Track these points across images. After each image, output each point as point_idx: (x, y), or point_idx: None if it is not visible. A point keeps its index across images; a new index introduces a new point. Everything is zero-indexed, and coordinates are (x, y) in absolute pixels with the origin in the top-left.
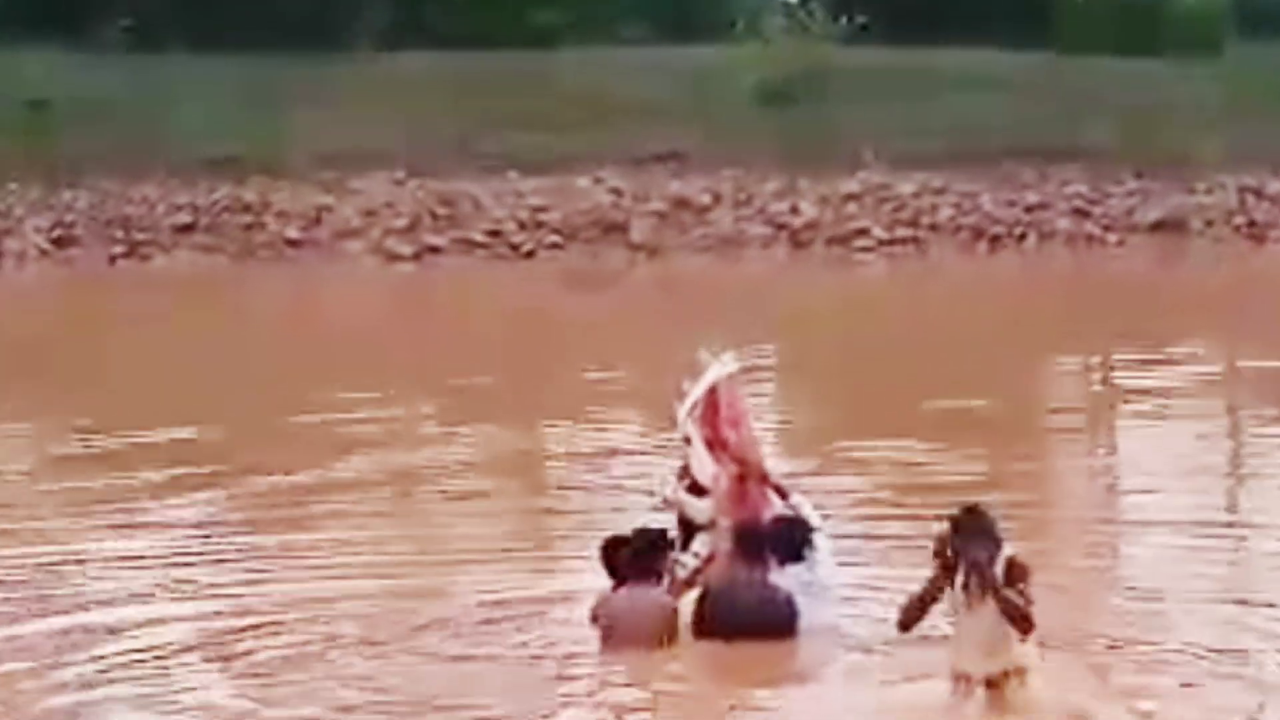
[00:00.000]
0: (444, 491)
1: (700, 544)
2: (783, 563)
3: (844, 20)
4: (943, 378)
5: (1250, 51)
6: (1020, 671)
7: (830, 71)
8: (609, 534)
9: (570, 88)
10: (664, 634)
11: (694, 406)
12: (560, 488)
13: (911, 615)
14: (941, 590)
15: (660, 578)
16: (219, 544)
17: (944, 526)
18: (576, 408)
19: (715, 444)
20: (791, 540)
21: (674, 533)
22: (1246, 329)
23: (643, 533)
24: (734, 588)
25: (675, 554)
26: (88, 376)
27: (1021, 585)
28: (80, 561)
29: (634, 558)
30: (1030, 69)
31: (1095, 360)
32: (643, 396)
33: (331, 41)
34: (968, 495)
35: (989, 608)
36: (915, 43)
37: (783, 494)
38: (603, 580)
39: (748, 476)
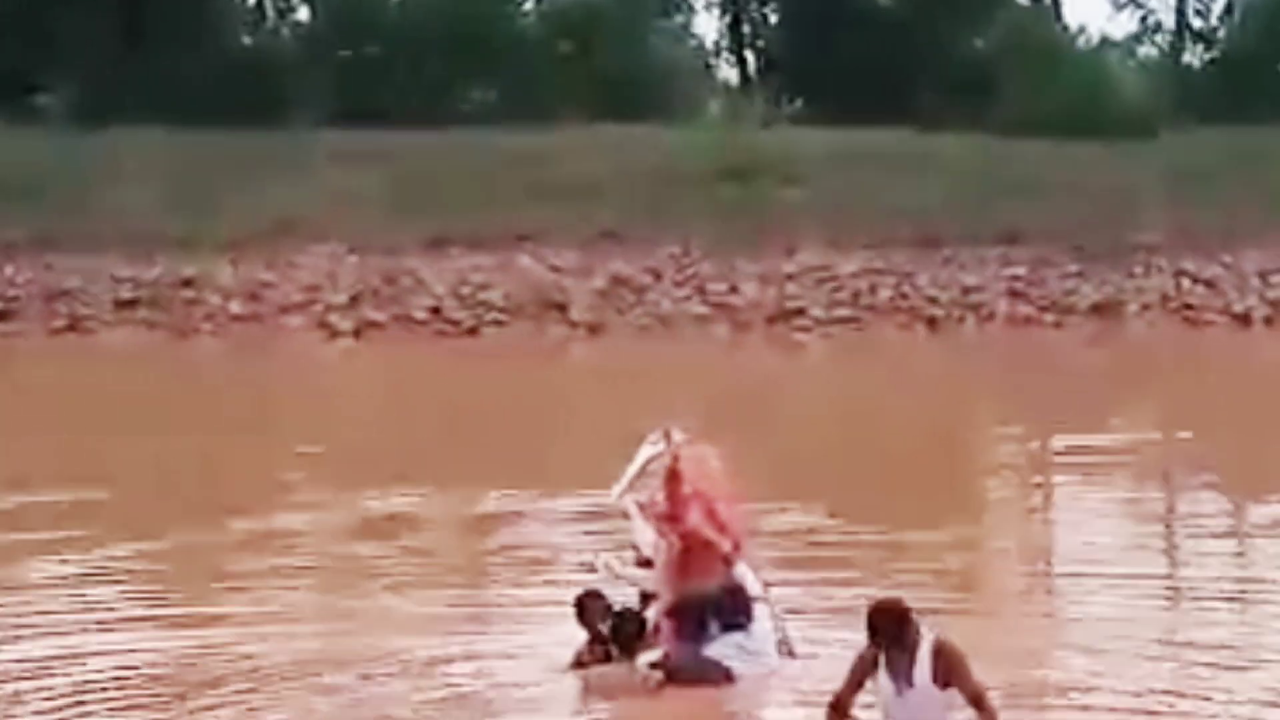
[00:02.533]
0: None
1: (651, 611)
2: (724, 629)
3: (785, 102)
4: (871, 450)
5: (1187, 136)
6: None
7: (771, 153)
8: (581, 591)
9: (511, 165)
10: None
11: (631, 482)
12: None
13: (839, 710)
14: (863, 680)
15: (633, 654)
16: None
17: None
18: (513, 478)
19: (669, 516)
20: (733, 609)
21: (636, 604)
22: (1179, 407)
23: (622, 615)
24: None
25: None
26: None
27: (962, 675)
28: None
29: (617, 635)
30: (970, 151)
31: (1026, 432)
32: (578, 469)
33: (274, 117)
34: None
35: (918, 692)
36: (855, 124)
37: (728, 563)
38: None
39: (692, 548)
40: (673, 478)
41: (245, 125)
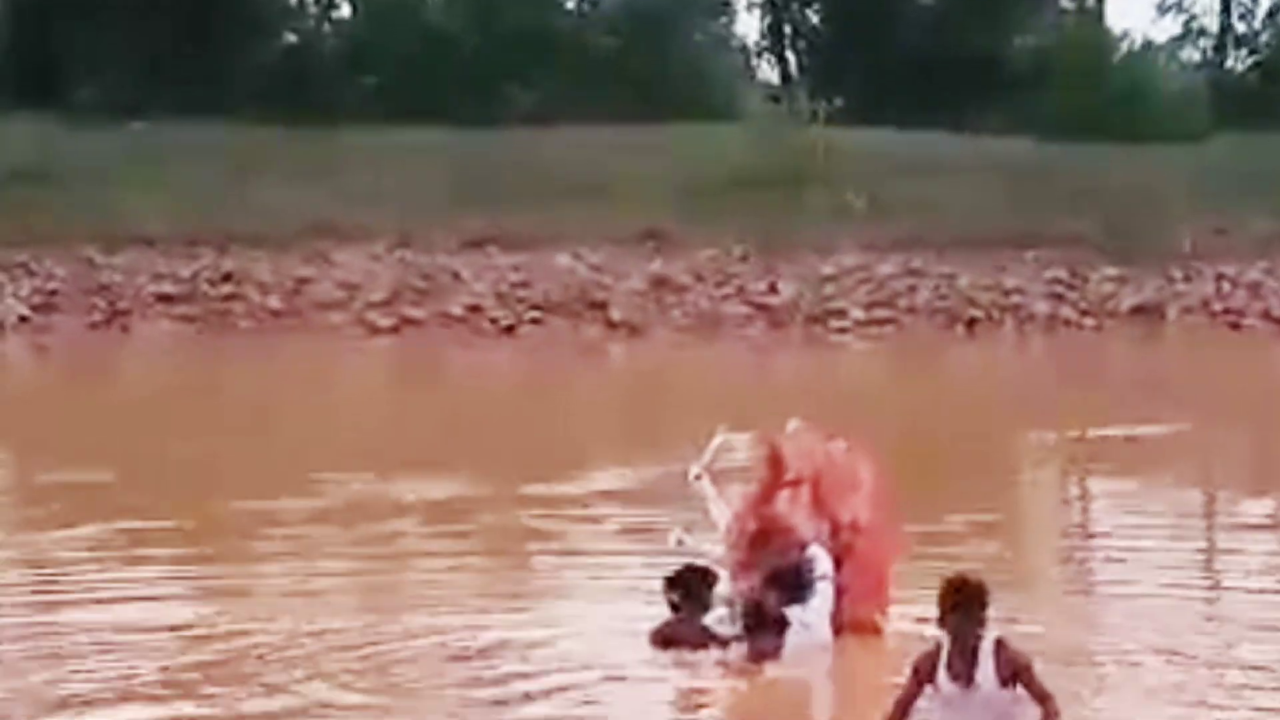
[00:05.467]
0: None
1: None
2: (785, 603)
3: (825, 102)
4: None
5: (1229, 140)
6: None
7: (811, 153)
8: (670, 571)
9: (552, 165)
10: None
11: (707, 464)
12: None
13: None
14: (923, 685)
15: (706, 607)
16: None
17: (928, 638)
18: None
19: (757, 500)
20: (796, 584)
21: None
22: (1219, 412)
23: (690, 569)
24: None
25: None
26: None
27: (1029, 672)
28: None
29: (682, 589)
30: (1011, 153)
31: (1066, 438)
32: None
33: (315, 114)
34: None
35: (982, 691)
36: (896, 125)
37: (802, 546)
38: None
39: (768, 530)
40: (773, 463)
41: (286, 122)
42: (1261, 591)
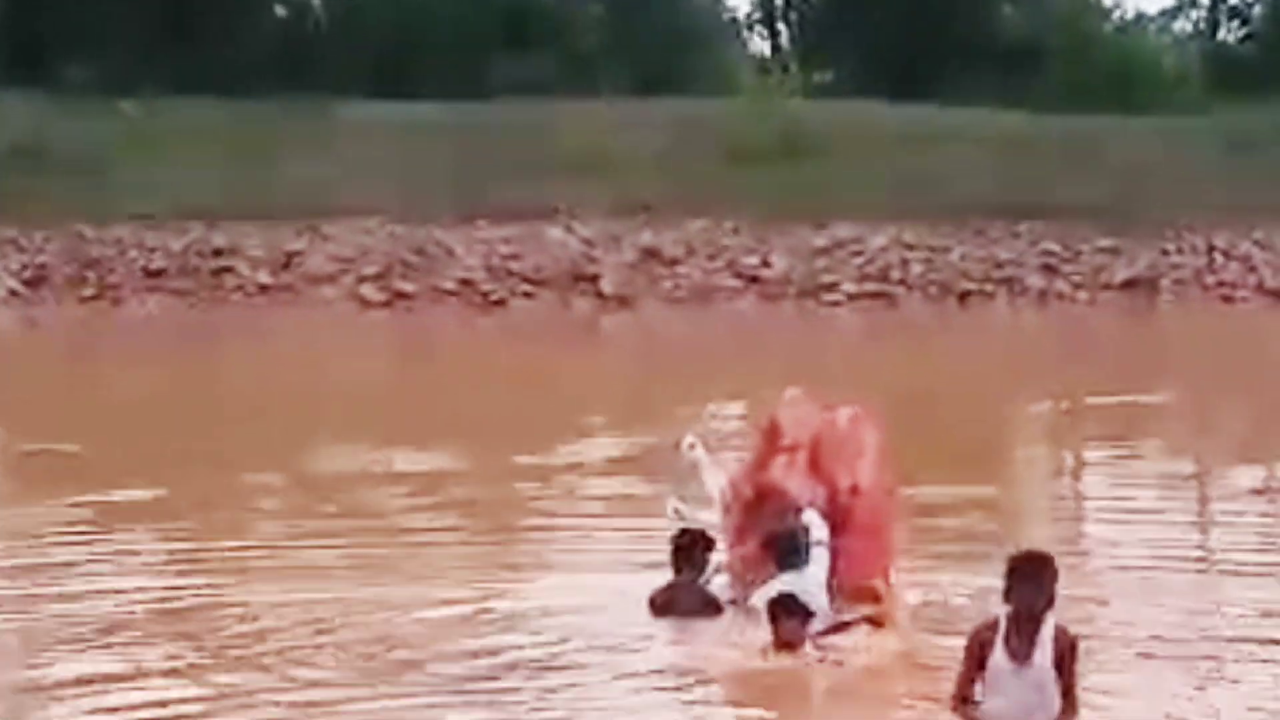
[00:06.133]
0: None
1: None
2: (780, 567)
3: (817, 74)
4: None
5: (1221, 112)
6: None
7: (803, 125)
8: (668, 536)
9: (543, 138)
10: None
11: (702, 434)
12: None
13: (958, 707)
14: (975, 674)
15: (701, 570)
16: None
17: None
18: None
19: (753, 467)
20: (790, 549)
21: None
22: (1212, 385)
23: (689, 533)
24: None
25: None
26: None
27: (1074, 663)
28: None
29: (679, 551)
30: (1002, 126)
31: (1058, 408)
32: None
33: (306, 89)
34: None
35: (1036, 671)
36: (888, 98)
37: (798, 510)
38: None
39: (764, 495)
40: (769, 430)
41: (277, 96)
42: (1258, 568)
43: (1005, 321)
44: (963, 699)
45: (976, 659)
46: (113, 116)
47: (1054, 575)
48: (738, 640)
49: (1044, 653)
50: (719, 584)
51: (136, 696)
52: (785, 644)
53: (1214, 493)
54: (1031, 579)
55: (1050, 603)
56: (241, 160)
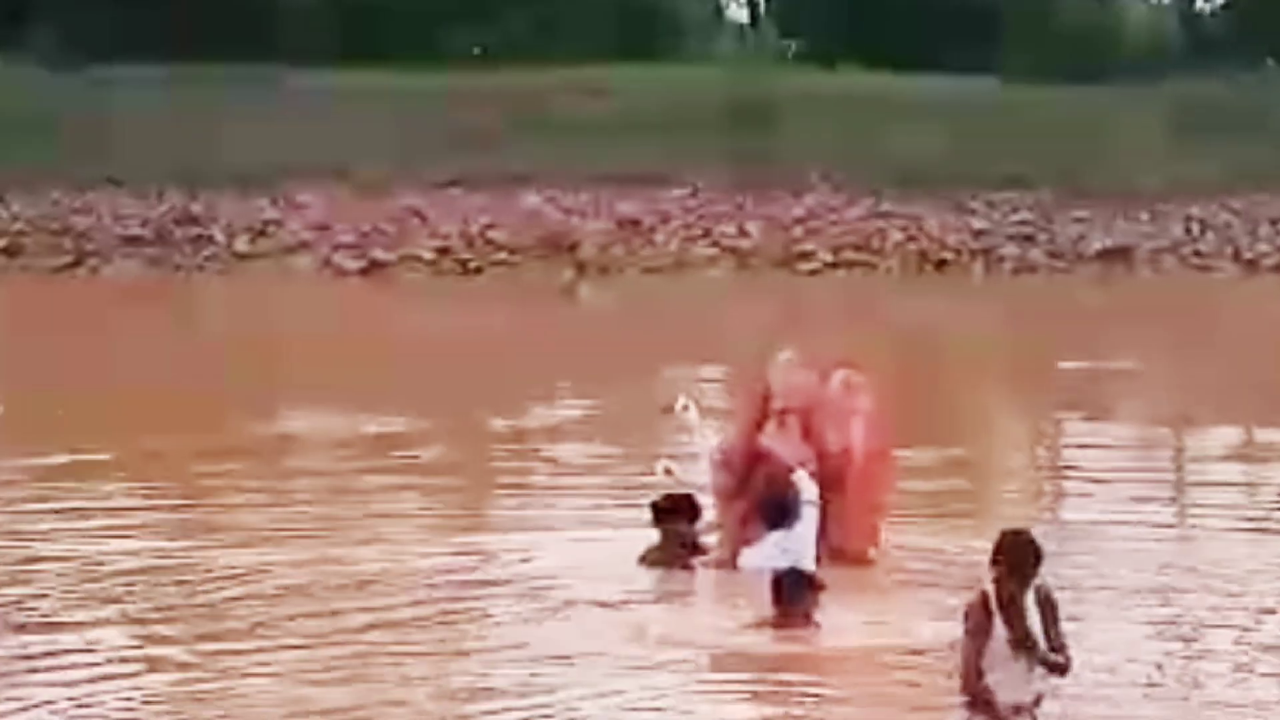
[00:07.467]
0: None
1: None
2: (770, 527)
3: (794, 44)
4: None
5: (1197, 81)
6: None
7: (780, 94)
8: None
9: (520, 106)
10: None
11: (694, 397)
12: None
13: (974, 685)
14: (982, 650)
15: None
16: None
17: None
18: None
19: (747, 431)
20: (780, 509)
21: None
22: (1187, 352)
23: (670, 497)
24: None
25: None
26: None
27: (1059, 620)
28: None
29: (663, 513)
30: (979, 95)
31: (1032, 374)
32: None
33: (282, 55)
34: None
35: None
36: (864, 67)
37: (788, 471)
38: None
39: (755, 457)
40: (763, 396)
41: (254, 62)
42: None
43: (981, 290)
44: (978, 674)
45: (982, 632)
46: (83, 82)
47: (1039, 556)
48: (736, 612)
49: (1033, 618)
50: (709, 543)
51: (90, 657)
52: (790, 621)
53: (1186, 456)
54: (1020, 560)
55: (1027, 580)
56: (214, 128)
